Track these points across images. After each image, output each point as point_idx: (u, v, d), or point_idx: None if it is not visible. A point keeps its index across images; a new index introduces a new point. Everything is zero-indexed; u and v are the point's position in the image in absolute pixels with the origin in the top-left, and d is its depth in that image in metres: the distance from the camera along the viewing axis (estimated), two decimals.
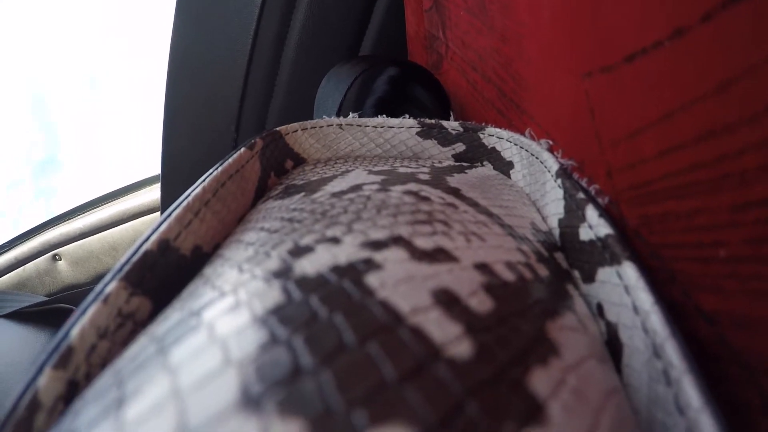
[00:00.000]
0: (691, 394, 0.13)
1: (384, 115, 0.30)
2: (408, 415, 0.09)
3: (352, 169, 0.24)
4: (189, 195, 0.18)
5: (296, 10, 0.53)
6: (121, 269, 0.15)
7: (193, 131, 0.63)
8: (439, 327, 0.12)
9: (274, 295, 0.12)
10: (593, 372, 0.14)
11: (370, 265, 0.13)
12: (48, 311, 0.96)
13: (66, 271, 1.28)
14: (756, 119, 0.13)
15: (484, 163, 0.29)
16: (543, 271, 0.17)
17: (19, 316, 0.91)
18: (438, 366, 0.10)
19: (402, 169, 0.24)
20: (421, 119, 0.29)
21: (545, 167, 0.24)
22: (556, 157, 0.23)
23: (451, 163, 0.29)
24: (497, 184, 0.25)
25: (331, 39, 0.54)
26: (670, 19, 0.16)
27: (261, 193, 0.24)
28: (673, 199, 0.17)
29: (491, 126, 0.29)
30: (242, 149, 0.23)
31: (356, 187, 0.19)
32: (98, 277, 1.26)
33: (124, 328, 0.15)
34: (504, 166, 0.28)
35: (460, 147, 0.29)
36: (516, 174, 0.27)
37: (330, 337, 0.11)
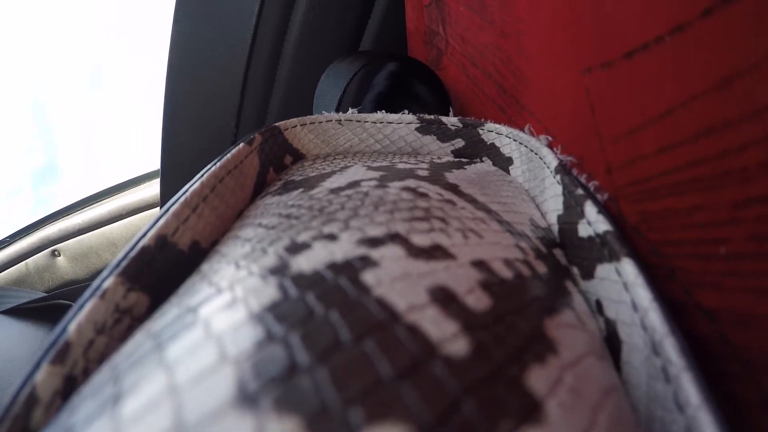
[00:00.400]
0: (690, 391, 0.13)
1: (383, 111, 0.29)
2: (404, 413, 0.09)
3: (351, 165, 0.24)
4: (187, 190, 0.18)
5: (296, 6, 0.53)
6: (118, 265, 0.15)
7: (193, 127, 0.63)
8: (436, 325, 0.11)
9: (270, 292, 0.12)
10: (592, 369, 0.13)
11: (366, 262, 0.13)
12: (47, 307, 0.96)
13: (65, 267, 1.28)
14: (757, 115, 0.13)
15: (484, 159, 0.29)
16: (541, 268, 0.17)
17: (18, 313, 0.91)
18: (434, 364, 0.10)
19: (401, 165, 0.24)
20: (421, 115, 0.29)
21: (544, 163, 0.24)
22: (556, 153, 0.23)
23: (451, 159, 0.28)
24: (496, 180, 0.25)
25: (331, 34, 0.54)
26: (671, 14, 0.16)
27: (260, 189, 0.24)
28: (673, 196, 0.17)
29: (491, 122, 0.29)
30: (241, 145, 0.22)
31: (354, 183, 0.19)
32: (97, 273, 1.27)
33: (122, 324, 0.15)
34: (503, 162, 0.28)
35: (459, 143, 0.29)
36: (515, 170, 0.27)
37: (326, 335, 0.10)
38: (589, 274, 0.19)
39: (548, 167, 0.23)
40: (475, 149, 0.29)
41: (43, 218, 1.30)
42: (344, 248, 0.14)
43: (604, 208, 0.19)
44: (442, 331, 0.11)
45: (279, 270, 0.13)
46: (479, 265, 0.15)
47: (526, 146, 0.26)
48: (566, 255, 0.20)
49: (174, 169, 0.67)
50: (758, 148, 0.13)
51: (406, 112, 0.29)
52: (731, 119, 0.14)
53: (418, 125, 0.29)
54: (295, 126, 0.27)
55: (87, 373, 0.14)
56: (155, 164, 1.23)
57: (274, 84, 0.58)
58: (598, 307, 0.18)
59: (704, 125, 0.15)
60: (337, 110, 0.36)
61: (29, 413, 0.12)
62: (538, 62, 0.26)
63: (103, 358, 0.14)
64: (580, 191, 0.20)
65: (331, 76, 0.40)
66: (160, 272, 0.16)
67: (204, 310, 0.12)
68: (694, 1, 0.15)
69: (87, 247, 1.27)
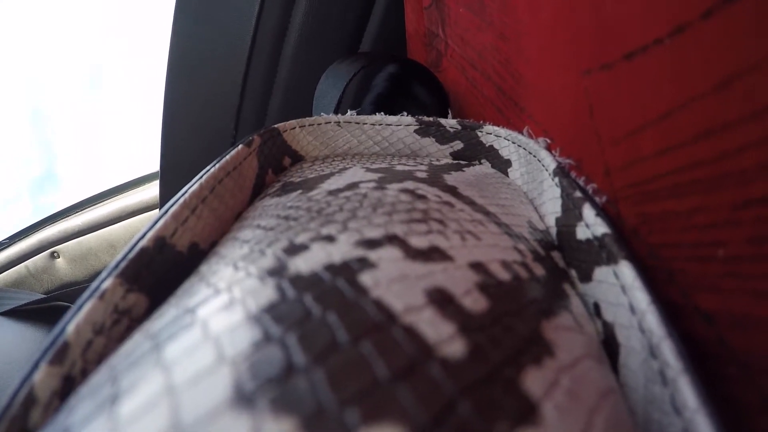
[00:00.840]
0: (688, 394, 0.13)
1: (382, 113, 0.29)
2: (400, 414, 0.09)
3: (350, 167, 0.24)
4: (186, 192, 0.18)
5: (296, 7, 0.53)
6: (117, 266, 0.15)
7: (193, 128, 0.63)
8: (433, 326, 0.11)
9: (268, 293, 0.12)
10: (589, 372, 0.13)
11: (364, 263, 0.13)
12: (46, 309, 0.96)
13: (64, 268, 1.28)
14: (756, 117, 0.13)
15: (482, 161, 0.29)
16: (539, 270, 0.17)
17: (17, 314, 0.91)
18: (431, 365, 0.10)
19: (399, 167, 0.24)
20: (419, 117, 0.29)
21: (543, 165, 0.24)
22: (554, 156, 0.23)
23: (449, 161, 0.29)
24: (495, 182, 0.25)
25: (331, 36, 0.54)
26: (671, 16, 0.16)
27: (258, 190, 0.24)
28: (673, 198, 0.17)
29: (489, 124, 0.29)
30: (240, 146, 0.23)
31: (353, 185, 0.19)
32: (96, 275, 1.26)
33: (120, 325, 0.15)
34: (502, 165, 0.28)
35: (458, 145, 0.29)
36: (514, 172, 0.27)
37: (323, 336, 0.11)
38: (587, 276, 0.19)
39: (547, 170, 0.23)
40: (474, 151, 0.29)
41: (42, 220, 1.30)
42: (342, 250, 0.14)
43: (602, 211, 0.19)
44: (439, 333, 0.11)
45: (277, 271, 0.13)
46: (477, 267, 0.15)
47: (524, 149, 0.26)
48: (564, 257, 0.20)
49: (173, 171, 0.67)
50: (757, 150, 0.13)
51: (405, 113, 0.29)
52: (730, 121, 0.14)
53: (416, 127, 0.29)
54: (294, 128, 0.27)
55: (85, 373, 0.14)
56: (154, 168, 1.23)
57: (274, 85, 0.58)
58: (596, 310, 0.18)
59: (703, 127, 0.15)
60: (336, 112, 0.36)
61: (27, 413, 0.12)
62: (537, 64, 0.26)
63: (101, 358, 0.14)
64: (578, 194, 0.20)
65: (330, 78, 0.40)
66: (158, 273, 0.16)
67: (202, 311, 0.12)
68: (693, 2, 0.15)
69: (86, 248, 1.27)
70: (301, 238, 0.15)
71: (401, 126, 0.29)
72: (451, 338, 0.11)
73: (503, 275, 0.15)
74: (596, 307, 0.18)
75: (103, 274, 0.15)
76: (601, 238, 0.18)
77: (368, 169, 0.23)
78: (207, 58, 0.58)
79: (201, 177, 0.19)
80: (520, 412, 0.10)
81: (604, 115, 0.20)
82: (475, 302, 0.13)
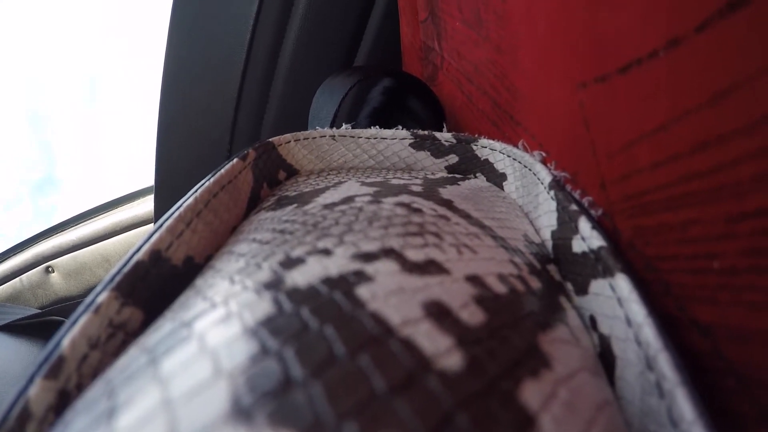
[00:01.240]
0: (684, 406, 0.13)
1: (378, 126, 0.30)
2: (398, 427, 0.09)
3: (345, 181, 0.24)
4: (181, 205, 0.18)
5: (291, 21, 0.53)
6: (112, 279, 0.15)
7: (187, 142, 0.63)
8: (430, 339, 0.11)
9: (264, 306, 0.12)
10: (585, 385, 0.13)
11: (360, 277, 0.13)
12: (40, 324, 0.95)
13: (59, 283, 1.28)
14: (751, 129, 0.13)
15: (477, 174, 0.29)
16: (535, 284, 0.17)
17: (12, 329, 0.91)
18: (428, 378, 0.10)
19: (395, 181, 0.24)
20: (414, 130, 0.29)
21: (538, 179, 0.24)
22: (549, 169, 0.23)
23: (444, 174, 0.29)
24: (490, 195, 0.25)
25: (326, 50, 0.54)
26: (666, 29, 0.16)
27: (254, 204, 0.24)
28: (668, 211, 0.17)
29: (484, 138, 0.29)
30: (235, 160, 0.23)
31: (348, 199, 0.19)
32: (91, 290, 1.26)
33: (116, 339, 0.15)
34: (497, 178, 0.28)
35: (453, 158, 0.29)
36: (509, 186, 0.27)
37: (320, 349, 0.10)
38: (583, 289, 0.19)
39: (542, 183, 0.23)
40: (469, 165, 0.29)
41: (37, 234, 1.29)
42: (339, 263, 0.14)
43: (598, 224, 0.19)
44: (436, 346, 0.11)
45: (273, 285, 0.13)
46: (473, 280, 0.15)
47: (519, 162, 0.26)
48: (560, 271, 0.20)
49: (168, 185, 0.67)
50: (752, 162, 0.13)
51: (400, 127, 0.30)
52: (725, 133, 0.14)
53: (411, 141, 0.29)
54: (289, 141, 0.27)
55: (80, 388, 0.13)
56: (151, 175, 1.23)
57: (269, 99, 0.58)
58: (592, 323, 0.18)
59: (699, 139, 0.15)
60: (332, 125, 0.36)
61: (22, 428, 0.12)
62: (532, 77, 0.26)
63: (96, 373, 0.14)
64: (574, 207, 0.20)
65: (326, 91, 0.40)
66: (154, 287, 0.16)
67: (198, 324, 0.12)
68: (688, 15, 0.15)
69: (81, 263, 1.27)
70: (297, 252, 0.15)
71: (396, 140, 0.29)
72: (448, 351, 0.11)
73: (500, 288, 0.15)
74: (592, 320, 0.18)
75: (98, 288, 0.15)
76: (597, 251, 0.18)
77: (363, 183, 0.23)
78: (202, 72, 0.58)
79: (196, 191, 0.19)
80: (517, 425, 0.10)
81: (600, 127, 0.20)
82: (472, 315, 0.13)
